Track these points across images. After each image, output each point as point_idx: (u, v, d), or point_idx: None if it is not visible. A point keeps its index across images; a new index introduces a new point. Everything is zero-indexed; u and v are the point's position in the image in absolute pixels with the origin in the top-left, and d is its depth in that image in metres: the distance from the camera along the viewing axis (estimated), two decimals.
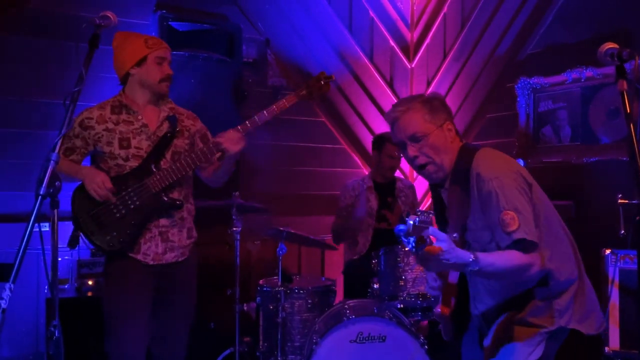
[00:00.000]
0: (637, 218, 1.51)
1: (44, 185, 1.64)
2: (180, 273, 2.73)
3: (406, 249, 3.25)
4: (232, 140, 2.62)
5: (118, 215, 2.55)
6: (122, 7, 4.03)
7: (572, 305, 2.03)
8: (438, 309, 2.14)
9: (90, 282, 3.69)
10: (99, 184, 2.52)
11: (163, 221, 2.65)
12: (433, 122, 2.08)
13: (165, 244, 2.65)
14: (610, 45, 1.77)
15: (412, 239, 1.67)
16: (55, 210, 1.71)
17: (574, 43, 4.00)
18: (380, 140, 4.18)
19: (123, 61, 2.67)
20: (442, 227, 2.16)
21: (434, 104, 2.11)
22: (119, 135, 2.62)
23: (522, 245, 1.87)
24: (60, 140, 1.76)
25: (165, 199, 2.61)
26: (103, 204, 2.54)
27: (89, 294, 3.62)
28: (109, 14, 1.99)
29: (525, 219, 1.89)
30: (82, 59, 1.93)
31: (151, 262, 2.62)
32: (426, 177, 2.14)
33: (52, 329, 1.68)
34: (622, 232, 1.69)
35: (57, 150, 1.69)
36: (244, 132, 2.65)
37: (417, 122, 2.08)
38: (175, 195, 2.67)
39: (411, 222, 1.65)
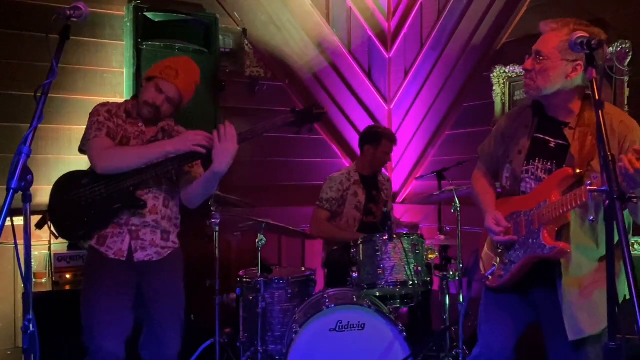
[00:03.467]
0: (606, 204, 1.54)
1: (15, 179, 1.62)
2: (159, 272, 2.71)
3: (385, 237, 3.27)
4: (225, 135, 2.51)
5: (83, 203, 2.56)
6: None
7: None
8: (557, 246, 2.07)
9: (67, 276, 3.67)
10: (195, 135, 2.56)
11: (134, 220, 2.63)
12: (564, 52, 2.10)
13: (135, 242, 2.64)
14: (580, 34, 1.78)
15: None
16: (28, 204, 1.69)
17: None
18: (377, 136, 4.12)
19: (144, 79, 2.76)
20: (558, 160, 2.17)
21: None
22: (123, 132, 2.66)
23: None
24: (32, 134, 1.74)
25: (132, 195, 2.58)
26: (75, 192, 2.55)
27: (67, 287, 3.60)
28: (80, 4, 1.95)
29: None
30: (54, 50, 1.91)
31: (111, 256, 2.61)
32: (524, 85, 2.24)
33: (27, 323, 1.66)
34: (591, 218, 1.72)
35: (28, 144, 1.67)
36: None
37: (550, 44, 2.14)
38: (144, 194, 2.63)
39: None
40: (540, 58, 2.14)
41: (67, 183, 2.61)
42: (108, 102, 2.73)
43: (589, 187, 1.68)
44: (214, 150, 2.51)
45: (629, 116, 2.18)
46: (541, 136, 2.24)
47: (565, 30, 2.11)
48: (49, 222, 2.60)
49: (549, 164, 2.19)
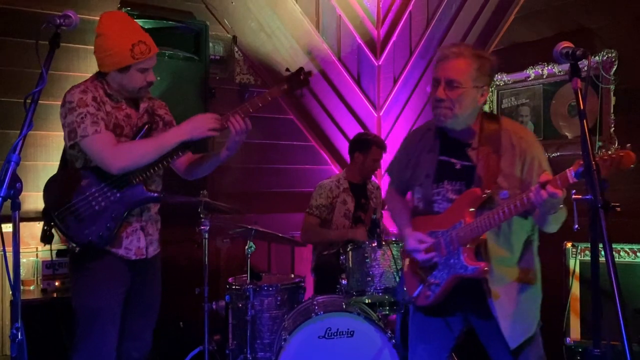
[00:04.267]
0: (590, 213, 1.56)
1: (4, 187, 1.62)
2: (153, 267, 2.71)
3: (374, 244, 3.29)
4: (239, 127, 2.54)
5: (97, 207, 2.45)
6: (85, 3, 4.00)
7: None
8: (478, 267, 2.15)
9: (56, 283, 3.65)
10: (208, 119, 2.53)
11: (144, 215, 2.61)
12: (475, 80, 2.17)
13: (146, 237, 2.62)
14: (565, 44, 1.81)
15: None
16: (17, 212, 1.69)
17: (535, 41, 4.08)
18: (366, 143, 4.14)
19: (105, 62, 2.51)
20: (466, 181, 2.23)
21: (485, 65, 2.18)
22: (114, 120, 2.53)
23: None
24: (22, 142, 1.74)
25: (146, 190, 2.54)
26: (82, 197, 2.44)
27: (54, 295, 3.58)
28: (70, 13, 1.96)
29: None
30: (43, 58, 1.91)
31: (134, 257, 2.56)
32: (437, 114, 2.22)
33: (15, 331, 1.65)
34: (576, 226, 1.75)
35: (17, 152, 1.67)
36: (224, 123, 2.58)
37: (461, 71, 2.16)
38: (154, 187, 2.63)
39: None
40: (455, 86, 2.16)
41: (66, 188, 2.47)
42: (85, 87, 2.49)
43: (574, 196, 1.70)
44: (230, 140, 2.56)
45: (526, 129, 2.29)
46: (446, 159, 2.29)
47: (472, 58, 2.17)
48: (58, 233, 2.48)
49: (457, 184, 2.25)
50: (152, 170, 2.53)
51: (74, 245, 2.50)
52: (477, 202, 2.17)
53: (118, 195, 2.48)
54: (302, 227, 4.12)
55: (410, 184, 2.43)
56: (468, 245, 2.17)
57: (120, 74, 2.50)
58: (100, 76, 2.56)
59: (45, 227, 2.49)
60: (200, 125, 2.53)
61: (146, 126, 2.61)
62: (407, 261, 2.46)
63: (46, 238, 2.50)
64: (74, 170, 2.52)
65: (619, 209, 1.60)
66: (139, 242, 2.59)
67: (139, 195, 2.53)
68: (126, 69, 2.49)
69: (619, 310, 1.45)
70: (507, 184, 2.15)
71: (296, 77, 2.74)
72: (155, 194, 2.59)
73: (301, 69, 2.79)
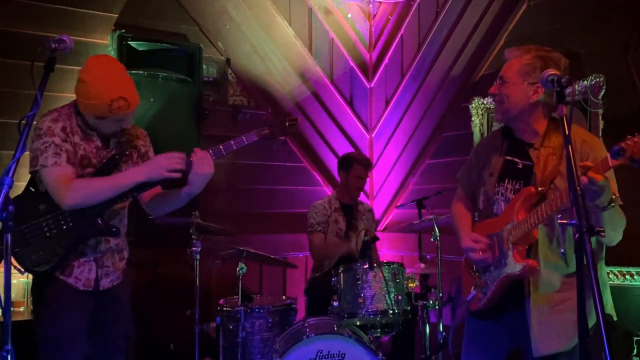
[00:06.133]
0: (576, 237, 1.58)
1: None
2: (117, 296, 2.62)
3: (365, 266, 3.29)
4: (202, 160, 2.42)
5: (48, 234, 2.38)
6: (80, 26, 4.03)
7: None
8: (526, 264, 2.12)
9: None
10: (169, 159, 2.40)
11: (100, 247, 2.52)
12: (525, 76, 2.22)
13: (101, 270, 2.53)
14: (551, 71, 1.86)
15: None
16: (9, 235, 1.69)
17: None
18: (347, 161, 4.22)
19: (83, 107, 2.45)
20: (525, 180, 2.24)
21: (539, 64, 2.19)
22: (82, 151, 2.47)
23: None
24: (15, 164, 1.74)
25: (101, 223, 2.45)
26: (36, 222, 2.37)
27: None
28: (65, 37, 1.98)
29: None
30: (38, 80, 1.93)
31: (81, 288, 2.48)
32: (494, 110, 2.37)
33: (5, 354, 1.65)
34: (562, 250, 1.77)
35: (10, 175, 1.68)
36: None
37: (512, 69, 2.25)
38: (116, 221, 2.55)
39: None
40: (503, 82, 2.27)
41: (22, 210, 2.33)
42: (58, 115, 2.45)
43: (559, 221, 1.72)
44: (191, 176, 2.43)
45: (592, 135, 2.29)
46: (510, 158, 2.33)
47: (527, 56, 2.23)
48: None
49: (517, 184, 2.28)
50: (108, 206, 2.45)
51: (20, 268, 2.40)
52: (530, 200, 2.17)
53: (71, 224, 2.40)
54: (311, 247, 4.14)
55: (477, 185, 2.45)
56: (519, 245, 2.17)
57: (96, 119, 2.46)
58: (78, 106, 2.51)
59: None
60: (158, 166, 2.42)
61: (115, 157, 2.52)
62: (463, 264, 2.48)
63: None
64: (35, 194, 2.46)
65: (603, 234, 1.62)
66: (89, 273, 2.50)
67: (92, 228, 2.45)
68: (102, 118, 2.44)
69: (603, 331, 1.47)
70: (564, 185, 2.09)
71: (280, 124, 2.59)
72: (112, 228, 2.49)
73: (287, 115, 2.64)
